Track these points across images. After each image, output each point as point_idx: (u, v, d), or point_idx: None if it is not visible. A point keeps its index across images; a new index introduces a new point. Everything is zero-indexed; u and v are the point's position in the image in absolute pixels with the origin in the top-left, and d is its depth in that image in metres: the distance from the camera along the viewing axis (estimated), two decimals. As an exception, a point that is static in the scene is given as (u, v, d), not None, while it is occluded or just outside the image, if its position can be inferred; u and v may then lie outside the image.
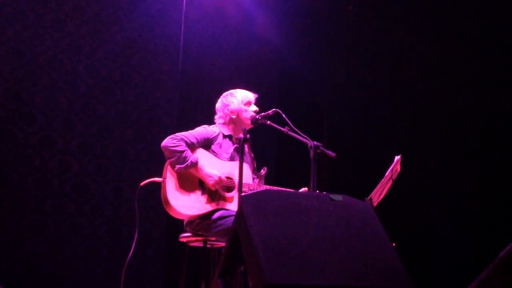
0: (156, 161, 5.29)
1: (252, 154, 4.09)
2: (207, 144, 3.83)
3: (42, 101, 5.19)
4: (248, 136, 3.54)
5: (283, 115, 3.65)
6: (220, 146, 3.88)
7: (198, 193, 3.70)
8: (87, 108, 5.38)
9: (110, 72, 5.52)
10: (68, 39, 5.37)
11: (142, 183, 3.87)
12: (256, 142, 3.93)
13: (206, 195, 3.70)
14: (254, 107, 3.96)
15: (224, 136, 3.93)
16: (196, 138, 3.77)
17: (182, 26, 5.87)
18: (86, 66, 5.42)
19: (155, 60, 5.76)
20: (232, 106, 3.95)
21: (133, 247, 3.89)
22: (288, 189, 3.86)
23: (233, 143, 3.94)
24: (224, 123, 3.99)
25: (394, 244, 2.67)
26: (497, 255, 2.38)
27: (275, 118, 3.72)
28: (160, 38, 5.79)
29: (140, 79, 5.65)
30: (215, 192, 3.72)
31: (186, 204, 3.64)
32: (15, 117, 5.07)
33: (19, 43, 5.16)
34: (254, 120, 3.79)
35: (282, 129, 3.63)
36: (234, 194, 3.75)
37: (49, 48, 5.28)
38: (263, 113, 3.78)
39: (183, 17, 5.88)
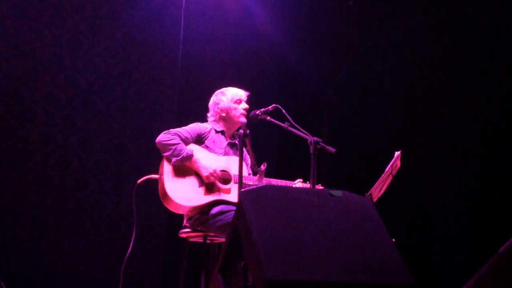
0: (156, 156, 5.25)
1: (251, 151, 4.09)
2: (199, 140, 3.87)
3: (42, 96, 5.19)
4: (248, 131, 3.55)
5: (283, 111, 3.65)
6: (214, 142, 3.92)
7: (196, 185, 3.73)
8: (87, 103, 5.38)
9: (109, 67, 5.52)
10: (68, 34, 5.36)
11: (139, 181, 3.89)
12: (256, 137, 3.93)
13: (203, 187, 3.73)
14: (244, 105, 3.98)
15: (217, 132, 3.96)
16: (190, 133, 3.83)
17: (182, 22, 5.86)
18: (85, 61, 5.42)
19: (154, 56, 5.75)
20: (221, 105, 3.98)
21: (131, 244, 3.90)
22: (287, 181, 3.90)
23: (226, 139, 3.99)
24: (215, 121, 4.02)
25: (394, 240, 2.67)
26: (497, 250, 2.39)
27: (275, 113, 3.72)
28: (160, 33, 5.78)
29: (140, 74, 5.65)
30: (212, 184, 3.74)
31: (184, 196, 3.66)
32: (15, 112, 5.07)
33: (19, 39, 5.15)
34: (253, 116, 3.79)
35: (282, 124, 3.63)
36: (231, 186, 3.78)
37: (49, 44, 5.27)
38: (263, 109, 3.77)
39: (182, 13, 5.87)
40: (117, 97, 5.52)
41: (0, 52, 5.06)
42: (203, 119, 4.03)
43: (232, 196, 3.75)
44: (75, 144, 5.28)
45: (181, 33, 5.85)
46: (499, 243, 2.43)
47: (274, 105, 3.71)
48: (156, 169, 3.84)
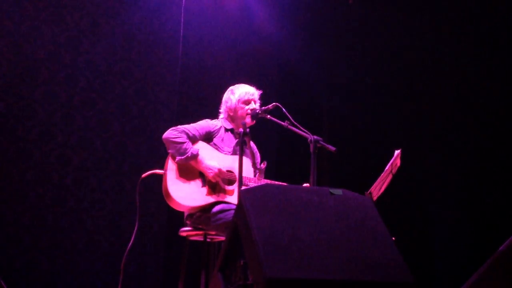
0: (156, 154, 5.30)
1: (254, 149, 4.09)
2: (208, 137, 3.86)
3: (41, 95, 5.19)
4: (248, 130, 3.55)
5: (283, 109, 3.64)
6: (222, 140, 3.90)
7: (199, 185, 3.72)
8: (86, 102, 5.38)
9: (109, 66, 5.51)
10: (68, 33, 5.36)
11: (144, 175, 3.89)
12: (256, 136, 3.93)
13: (206, 187, 3.72)
14: (252, 105, 3.94)
15: (226, 130, 3.94)
16: (198, 131, 3.81)
17: (182, 20, 5.85)
18: (85, 60, 5.41)
19: (154, 54, 5.75)
20: (229, 104, 3.99)
21: (133, 237, 3.89)
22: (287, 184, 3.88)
23: (235, 137, 3.96)
24: (225, 118, 4.03)
25: (393, 238, 2.67)
26: (497, 249, 2.39)
27: (275, 112, 3.71)
28: (160, 32, 5.77)
29: (140, 73, 5.64)
30: (215, 185, 3.73)
31: (186, 196, 3.66)
32: (14, 111, 5.07)
33: (19, 37, 5.15)
34: (254, 114, 3.79)
35: (282, 123, 3.62)
36: (235, 187, 3.76)
37: (49, 42, 5.27)
38: (263, 107, 3.78)
39: (182, 11, 5.86)
40: (117, 95, 5.52)
41: (-1, 51, 5.07)
42: (203, 118, 4.00)
43: (234, 198, 3.73)
44: (75, 142, 5.28)
45: (181, 31, 5.85)
46: (499, 242, 2.43)
47: (274, 103, 3.71)
48: (156, 167, 3.84)
